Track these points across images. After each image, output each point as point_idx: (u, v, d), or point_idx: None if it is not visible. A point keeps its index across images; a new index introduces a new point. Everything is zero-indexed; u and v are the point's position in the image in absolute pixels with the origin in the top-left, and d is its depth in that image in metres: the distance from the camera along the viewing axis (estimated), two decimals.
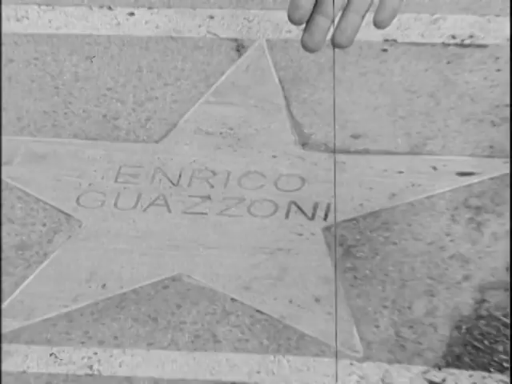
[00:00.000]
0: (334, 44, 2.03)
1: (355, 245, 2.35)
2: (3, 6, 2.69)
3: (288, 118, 2.48)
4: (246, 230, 2.34)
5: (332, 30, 2.03)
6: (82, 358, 2.26)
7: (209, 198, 2.39)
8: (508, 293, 2.45)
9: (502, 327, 2.34)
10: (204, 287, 2.30)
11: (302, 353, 2.24)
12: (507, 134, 2.53)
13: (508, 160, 2.48)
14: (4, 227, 2.55)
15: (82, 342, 2.26)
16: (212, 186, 2.36)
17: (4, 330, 2.35)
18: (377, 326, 2.24)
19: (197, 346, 2.24)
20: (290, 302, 2.26)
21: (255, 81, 2.63)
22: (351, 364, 2.18)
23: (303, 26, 2.02)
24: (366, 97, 2.60)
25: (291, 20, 2.09)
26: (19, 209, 2.36)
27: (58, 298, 2.36)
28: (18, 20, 2.70)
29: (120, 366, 2.24)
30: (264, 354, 2.25)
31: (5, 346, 2.32)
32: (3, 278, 2.50)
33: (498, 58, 2.65)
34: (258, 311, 2.29)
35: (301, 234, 2.34)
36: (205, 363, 2.24)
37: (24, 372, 2.25)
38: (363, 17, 2.00)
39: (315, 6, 2.01)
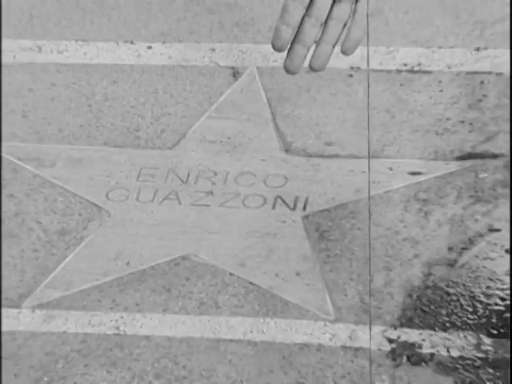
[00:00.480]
0: (311, 68, 2.18)
1: (328, 230, 2.43)
2: (47, 42, 2.72)
3: (274, 129, 2.58)
4: (241, 219, 2.44)
5: (309, 56, 2.20)
6: (111, 321, 2.35)
7: (211, 193, 2.48)
8: (451, 268, 2.43)
9: (444, 295, 2.39)
10: (207, 264, 2.40)
11: (286, 316, 2.32)
12: (448, 142, 2.59)
13: (449, 162, 2.52)
14: (48, 217, 2.62)
15: (111, 308, 2.35)
16: (214, 184, 2.46)
17: (48, 299, 2.37)
18: (345, 295, 2.33)
19: (202, 311, 2.33)
20: (276, 275, 2.36)
21: (248, 100, 2.69)
22: (325, 325, 2.26)
23: (285, 53, 2.19)
24: (337, 112, 2.66)
25: (274, 48, 2.18)
26: (60, 202, 2.45)
27: (91, 273, 2.45)
28: (59, 52, 2.75)
29: (141, 327, 2.33)
30: (256, 317, 2.32)
31: (49, 312, 2.35)
32: (47, 257, 2.48)
33: (440, 82, 2.69)
34: (250, 283, 2.38)
35: (284, 222, 2.44)
36: (208, 325, 2.32)
37: (64, 332, 2.32)
38: (334, 46, 2.14)
39: (295, 36, 2.16)
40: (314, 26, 2.10)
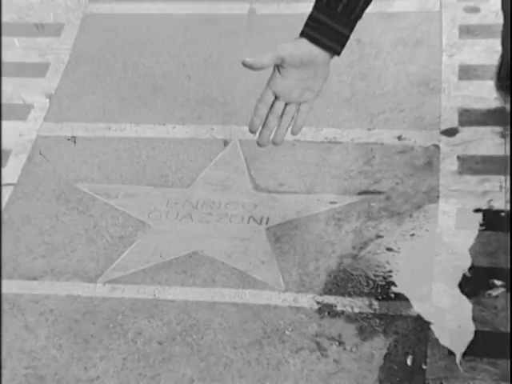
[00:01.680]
0: (273, 143, 2.25)
1: (281, 236, 2.58)
2: (114, 124, 2.85)
3: (248, 176, 2.77)
4: (228, 229, 2.60)
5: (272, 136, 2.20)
6: (150, 290, 2.48)
7: (211, 214, 2.64)
8: (354, 259, 2.57)
9: (350, 276, 2.49)
10: (208, 256, 2.57)
11: (255, 288, 2.48)
12: (352, 184, 2.75)
13: (353, 196, 2.70)
14: (113, 228, 2.62)
15: (150, 283, 2.48)
16: (212, 208, 2.65)
17: (113, 277, 2.51)
18: (291, 275, 2.46)
19: (204, 285, 2.47)
20: (250, 263, 2.53)
21: (232, 159, 2.82)
22: (278, 293, 2.43)
23: (257, 134, 2.24)
24: (286, 166, 2.82)
25: (250, 131, 2.25)
26: (121, 219, 2.60)
27: (139, 261, 2.54)
28: (121, 130, 2.86)
29: (168, 294, 2.45)
30: (237, 288, 2.48)
31: (113, 285, 2.49)
32: (112, 252, 2.57)
33: (347, 148, 2.83)
34: (234, 268, 2.53)
35: (255, 231, 2.59)
36: (209, 293, 2.46)
37: (122, 297, 2.44)
38: (286, 130, 2.21)
39: (263, 124, 2.23)
40: (274, 118, 2.23)
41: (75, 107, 3.03)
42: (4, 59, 3.24)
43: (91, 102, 3.08)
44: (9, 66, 3.18)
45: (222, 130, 2.90)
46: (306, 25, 2.20)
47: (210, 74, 3.24)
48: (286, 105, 2.26)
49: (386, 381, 2.13)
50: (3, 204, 2.68)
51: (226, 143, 2.85)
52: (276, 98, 2.25)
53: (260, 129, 2.26)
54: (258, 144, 2.30)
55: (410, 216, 2.56)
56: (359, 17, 2.20)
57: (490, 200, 2.57)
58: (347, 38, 2.22)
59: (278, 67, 2.19)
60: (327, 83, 2.33)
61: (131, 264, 2.51)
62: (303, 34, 2.19)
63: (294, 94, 2.24)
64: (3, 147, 2.86)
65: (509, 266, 2.41)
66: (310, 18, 2.22)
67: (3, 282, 2.43)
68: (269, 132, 2.26)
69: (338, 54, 2.22)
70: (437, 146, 2.78)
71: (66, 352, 2.24)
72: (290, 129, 2.26)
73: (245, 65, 2.31)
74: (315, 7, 2.22)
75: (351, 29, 2.22)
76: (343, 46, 2.23)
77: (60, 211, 2.64)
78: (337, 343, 2.25)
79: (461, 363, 2.24)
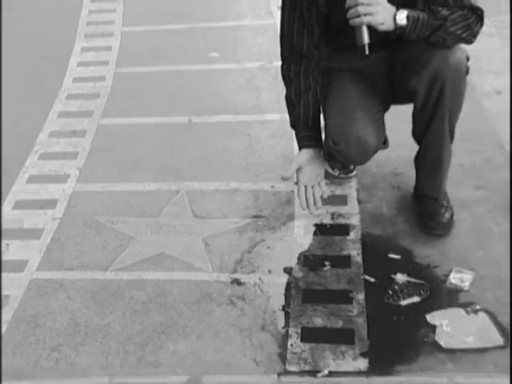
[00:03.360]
0: (317, 208, 2.43)
1: (211, 242, 2.49)
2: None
3: (191, 211, 2.73)
4: (180, 239, 2.55)
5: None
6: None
7: (170, 231, 2.60)
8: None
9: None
10: (170, 254, 2.50)
11: (196, 271, 2.40)
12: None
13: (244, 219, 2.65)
14: (115, 241, 2.61)
15: (154, 269, 2.41)
16: (170, 228, 2.60)
17: (116, 267, 2.46)
18: (215, 263, 2.47)
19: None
20: (192, 258, 2.48)
21: (182, 200, 2.78)
22: (208, 273, 2.42)
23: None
24: (211, 204, 2.75)
25: (302, 208, 2.42)
26: (120, 235, 2.59)
27: (130, 259, 2.50)
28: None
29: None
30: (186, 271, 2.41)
31: (118, 272, 2.42)
32: (117, 249, 2.56)
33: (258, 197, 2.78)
34: (183, 261, 2.48)
35: (195, 240, 2.55)
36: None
37: (121, 279, 2.39)
38: (318, 197, 2.40)
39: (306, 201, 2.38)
40: (310, 197, 2.39)
41: (97, 175, 3.01)
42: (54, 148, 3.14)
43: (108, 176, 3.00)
44: (56, 154, 3.12)
45: (175, 185, 2.88)
46: (299, 143, 2.43)
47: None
48: (313, 187, 2.44)
49: (268, 325, 2.18)
50: (54, 229, 2.67)
51: (177, 192, 2.84)
52: (305, 187, 2.43)
53: (306, 206, 2.44)
54: (310, 213, 2.47)
55: (280, 229, 2.59)
56: (320, 124, 2.37)
57: (322, 218, 2.62)
58: (321, 137, 2.39)
59: (297, 170, 2.39)
60: None
61: (126, 260, 2.52)
62: (300, 148, 2.41)
63: (312, 180, 2.41)
64: (54, 197, 2.85)
65: None
66: (298, 138, 2.44)
67: (54, 272, 2.46)
68: (312, 206, 2.42)
69: (322, 147, 2.42)
70: (292, 191, 2.79)
71: (90, 310, 2.28)
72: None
73: (284, 179, 2.62)
74: (297, 132, 2.44)
75: (321, 131, 2.38)
76: (322, 141, 2.39)
77: (86, 232, 2.65)
78: (241, 300, 2.29)
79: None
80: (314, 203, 2.41)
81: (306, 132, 2.35)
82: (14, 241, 2.61)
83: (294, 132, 2.43)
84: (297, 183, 2.46)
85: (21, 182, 2.90)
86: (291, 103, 2.34)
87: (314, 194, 2.41)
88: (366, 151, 2.28)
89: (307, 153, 2.36)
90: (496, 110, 3.06)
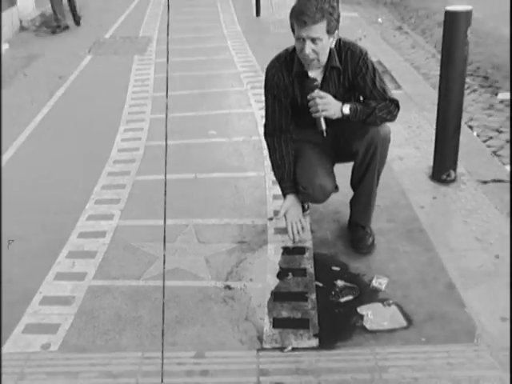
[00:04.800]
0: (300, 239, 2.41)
1: (210, 257, 2.38)
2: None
3: (196, 237, 2.68)
4: (189, 257, 2.42)
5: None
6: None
7: (185, 249, 2.48)
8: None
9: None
10: (183, 269, 2.41)
11: (199, 279, 2.33)
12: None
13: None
14: (145, 257, 2.52)
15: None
16: (184, 249, 2.48)
17: (146, 277, 2.37)
18: (212, 272, 2.39)
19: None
20: (196, 268, 2.40)
21: (189, 231, 2.67)
22: (207, 280, 2.34)
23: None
24: (210, 233, 2.71)
25: (292, 240, 2.40)
26: (148, 256, 2.50)
27: (155, 273, 2.38)
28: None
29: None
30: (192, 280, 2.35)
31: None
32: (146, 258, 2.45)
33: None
34: (191, 272, 2.39)
35: (198, 258, 2.44)
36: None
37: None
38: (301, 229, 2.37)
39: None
40: (296, 231, 2.38)
41: (133, 214, 2.87)
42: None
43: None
44: (105, 200, 3.00)
45: (185, 220, 2.80)
46: (284, 191, 2.44)
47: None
48: (296, 223, 2.42)
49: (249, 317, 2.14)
50: (104, 251, 2.58)
51: (187, 225, 2.77)
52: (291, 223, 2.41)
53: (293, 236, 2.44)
54: (296, 240, 2.46)
55: (258, 250, 2.55)
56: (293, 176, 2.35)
57: (286, 243, 2.58)
58: (297, 185, 2.36)
59: (285, 213, 2.42)
60: None
61: (152, 272, 2.45)
62: (285, 195, 2.45)
63: (296, 218, 2.43)
64: (104, 229, 2.74)
65: None
66: (283, 188, 2.42)
67: (104, 280, 2.37)
68: (297, 235, 2.43)
69: (298, 192, 2.37)
70: (266, 225, 2.72)
71: (128, 306, 2.25)
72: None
73: (271, 219, 2.62)
74: (283, 184, 2.41)
75: (296, 182, 2.36)
76: (297, 188, 2.37)
77: (125, 253, 2.58)
78: (231, 299, 2.25)
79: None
80: (298, 233, 2.42)
81: (289, 183, 2.37)
82: (78, 259, 2.56)
83: (279, 184, 2.45)
84: (285, 221, 2.44)
85: (82, 219, 2.86)
86: (277, 165, 2.36)
87: (298, 228, 2.41)
88: (326, 194, 2.32)
89: (291, 198, 2.39)
90: (399, 169, 3.11)
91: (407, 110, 3.68)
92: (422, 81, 4.32)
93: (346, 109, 2.10)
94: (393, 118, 2.17)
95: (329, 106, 2.06)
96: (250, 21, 6.58)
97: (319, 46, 1.98)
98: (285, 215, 2.33)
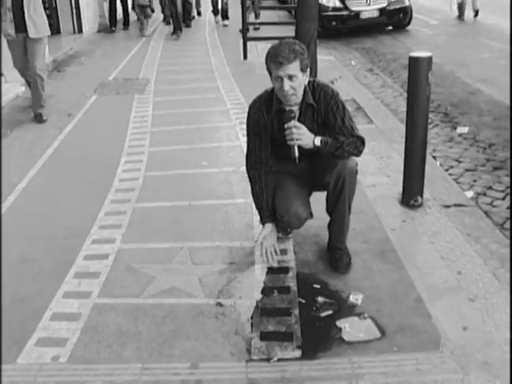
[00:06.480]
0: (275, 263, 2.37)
1: (204, 276, 2.41)
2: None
3: (190, 259, 2.70)
4: (184, 275, 2.41)
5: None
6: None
7: (181, 271, 2.49)
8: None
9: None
10: (179, 288, 2.41)
11: (193, 297, 2.32)
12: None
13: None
14: (144, 278, 2.49)
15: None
16: (179, 269, 2.44)
17: (145, 296, 2.38)
18: (205, 290, 2.38)
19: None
20: (190, 286, 2.35)
21: (184, 254, 2.67)
22: (201, 298, 2.32)
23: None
24: (204, 256, 2.68)
25: (268, 264, 2.35)
26: (146, 276, 2.54)
27: (153, 292, 2.38)
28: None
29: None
30: (187, 298, 2.32)
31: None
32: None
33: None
34: (186, 292, 2.37)
35: (192, 278, 2.41)
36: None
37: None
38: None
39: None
40: (270, 254, 2.34)
41: (133, 238, 2.86)
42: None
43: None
44: (108, 225, 2.97)
45: (180, 244, 2.78)
46: (263, 219, 2.39)
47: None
48: (270, 248, 2.40)
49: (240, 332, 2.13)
50: (107, 272, 2.55)
51: (182, 248, 2.74)
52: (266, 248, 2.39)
53: (266, 259, 2.40)
54: (270, 263, 2.43)
55: (246, 271, 2.53)
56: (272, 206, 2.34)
57: (272, 264, 2.54)
58: (275, 214, 2.36)
59: (262, 240, 2.43)
60: None
61: (151, 291, 2.44)
62: (263, 223, 2.39)
63: (270, 244, 2.43)
64: (107, 252, 2.72)
65: None
66: (262, 217, 2.41)
67: (107, 298, 2.34)
68: (271, 259, 2.41)
69: (276, 219, 2.36)
70: (253, 247, 2.70)
71: (129, 322, 2.22)
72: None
73: (257, 241, 2.49)
74: (262, 213, 2.40)
75: (274, 211, 2.36)
76: (275, 217, 2.37)
77: (126, 274, 2.56)
78: (222, 315, 2.23)
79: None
80: (272, 257, 2.43)
81: (267, 212, 2.39)
82: (84, 279, 2.54)
83: (258, 213, 2.46)
84: (261, 246, 2.38)
85: (87, 243, 2.84)
86: (257, 195, 2.38)
87: (271, 253, 2.43)
88: (301, 221, 2.34)
89: (269, 226, 2.40)
90: (372, 196, 3.12)
91: (379, 142, 3.76)
92: (392, 116, 4.46)
93: (318, 141, 2.14)
94: (358, 153, 2.22)
95: (303, 136, 2.10)
96: (238, 63, 6.72)
97: (296, 82, 2.06)
98: (261, 242, 2.33)
